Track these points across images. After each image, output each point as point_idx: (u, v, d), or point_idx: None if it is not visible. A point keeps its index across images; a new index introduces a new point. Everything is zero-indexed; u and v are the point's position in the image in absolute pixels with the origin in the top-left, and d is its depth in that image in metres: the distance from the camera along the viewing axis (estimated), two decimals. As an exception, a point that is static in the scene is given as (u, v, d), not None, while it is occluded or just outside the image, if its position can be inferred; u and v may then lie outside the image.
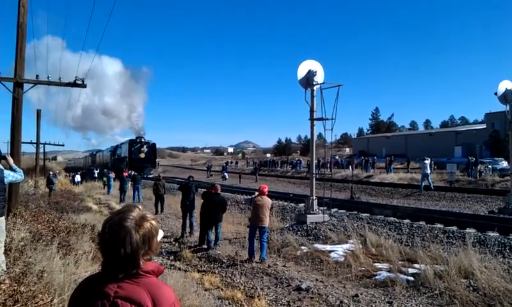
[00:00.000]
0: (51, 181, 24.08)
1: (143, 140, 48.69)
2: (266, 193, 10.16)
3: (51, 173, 26.57)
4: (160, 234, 1.64)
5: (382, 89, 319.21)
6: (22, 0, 11.14)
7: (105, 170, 37.26)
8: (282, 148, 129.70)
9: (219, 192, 11.59)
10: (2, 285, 4.27)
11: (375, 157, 48.55)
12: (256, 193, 10.24)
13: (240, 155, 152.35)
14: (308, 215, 12.88)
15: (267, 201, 9.94)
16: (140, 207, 1.63)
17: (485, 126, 61.76)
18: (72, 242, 7.82)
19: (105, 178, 31.94)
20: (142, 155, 46.80)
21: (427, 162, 24.00)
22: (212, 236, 11.16)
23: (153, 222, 1.60)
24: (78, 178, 41.27)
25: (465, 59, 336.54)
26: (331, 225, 12.29)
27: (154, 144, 50.28)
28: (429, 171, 24.22)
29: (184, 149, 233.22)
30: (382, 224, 12.12)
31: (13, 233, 7.08)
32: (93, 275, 1.65)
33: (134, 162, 45.38)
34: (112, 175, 30.98)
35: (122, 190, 24.19)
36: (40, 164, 35.86)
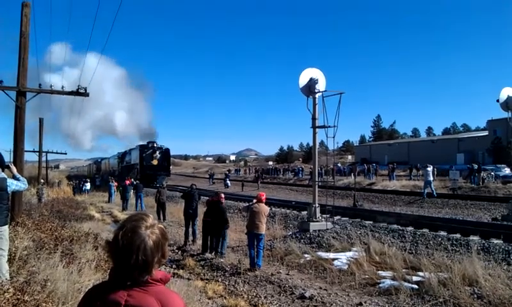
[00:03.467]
0: (41, 190, 24.17)
1: (155, 145, 44.64)
2: (264, 200, 10.17)
3: (42, 181, 26.79)
4: None
5: (384, 96, 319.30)
6: (25, 10, 11.25)
7: (110, 177, 36.72)
8: (284, 156, 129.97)
9: (222, 201, 11.59)
10: (6, 294, 4.27)
11: (374, 164, 48.44)
12: (255, 200, 10.28)
13: (242, 162, 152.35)
14: (311, 223, 12.84)
15: (264, 208, 9.93)
16: (150, 215, 1.65)
17: (487, 133, 61.73)
18: (75, 251, 7.82)
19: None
20: (155, 162, 43.13)
21: (430, 169, 23.94)
22: (219, 244, 11.13)
23: (163, 229, 1.63)
24: (88, 185, 40.04)
25: (467, 65, 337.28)
26: (334, 233, 12.25)
27: (168, 150, 45.71)
28: (431, 179, 24.16)
29: (186, 157, 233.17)
30: (385, 231, 12.07)
31: (17, 242, 7.08)
32: (100, 283, 1.66)
33: (145, 169, 42.29)
34: (113, 183, 31.05)
35: (124, 199, 24.24)
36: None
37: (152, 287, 1.53)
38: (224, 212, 11.40)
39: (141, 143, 46.45)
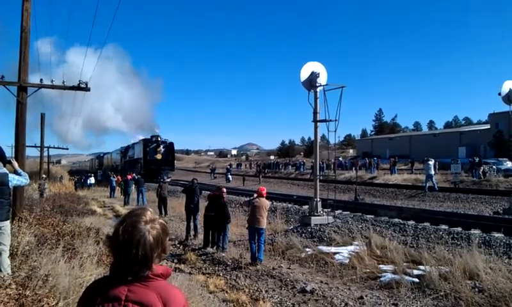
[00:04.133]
0: (43, 185, 24.26)
1: (159, 139, 43.65)
2: (264, 195, 10.19)
3: (44, 176, 26.87)
4: None
5: (385, 90, 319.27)
6: (26, 5, 11.20)
7: (111, 172, 36.67)
8: (286, 150, 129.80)
9: (223, 195, 11.61)
10: (8, 289, 4.29)
11: (375, 158, 48.37)
12: (256, 195, 10.30)
13: (243, 157, 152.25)
14: (312, 217, 12.85)
15: (265, 202, 9.96)
16: (151, 210, 1.65)
17: (489, 127, 61.52)
18: (76, 246, 7.84)
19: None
20: (159, 156, 42.33)
21: (431, 163, 23.90)
22: (220, 238, 11.15)
23: (164, 224, 1.63)
24: (92, 180, 40.23)
25: (468, 59, 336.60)
26: (335, 227, 12.26)
27: (172, 144, 44.71)
28: (433, 172, 24.12)
29: (187, 152, 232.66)
30: (386, 225, 12.07)
31: (19, 237, 7.11)
32: (101, 278, 1.66)
33: (149, 164, 41.61)
34: (114, 178, 31.09)
35: (126, 193, 24.29)
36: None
37: (152, 282, 1.53)
38: (226, 206, 11.42)
39: (144, 137, 45.66)
